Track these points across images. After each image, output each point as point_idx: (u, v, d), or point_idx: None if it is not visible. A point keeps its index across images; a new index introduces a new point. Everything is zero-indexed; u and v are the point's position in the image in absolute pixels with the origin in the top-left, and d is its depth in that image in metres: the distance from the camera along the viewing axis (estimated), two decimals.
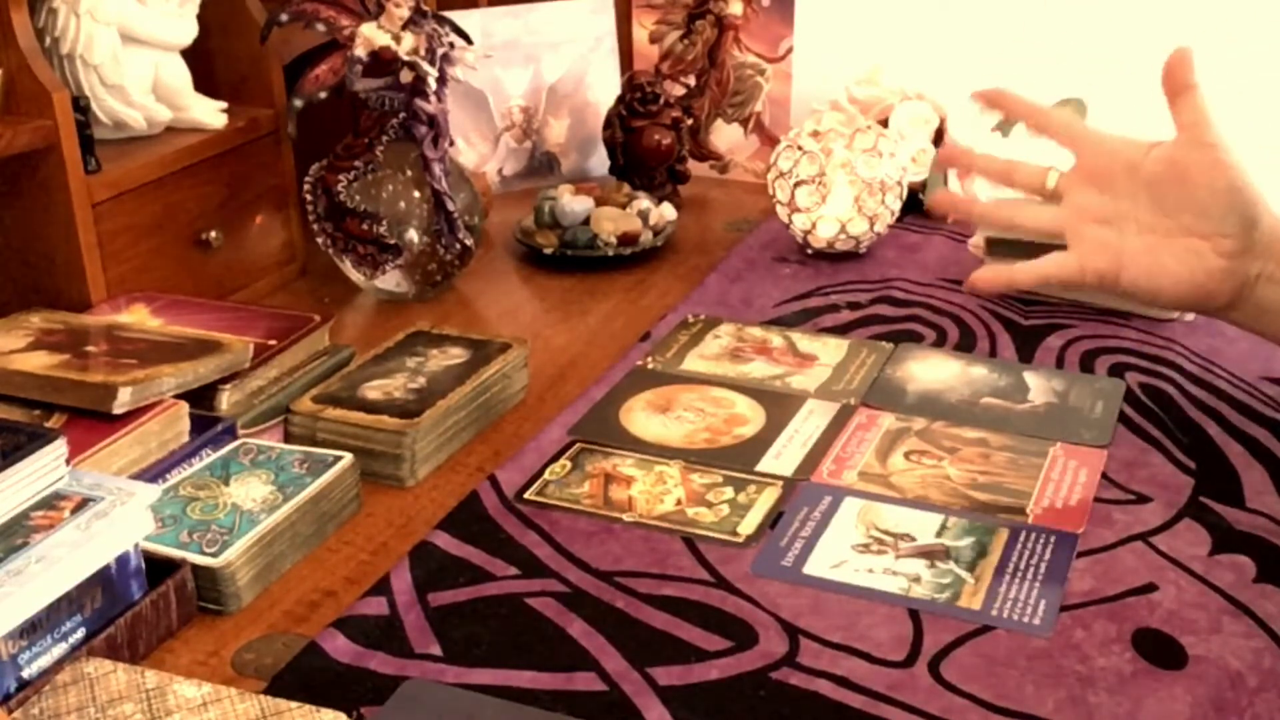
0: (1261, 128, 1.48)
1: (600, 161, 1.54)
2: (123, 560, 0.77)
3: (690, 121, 1.54)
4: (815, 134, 1.31)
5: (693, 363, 1.12)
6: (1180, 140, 0.87)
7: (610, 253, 1.33)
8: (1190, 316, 1.19)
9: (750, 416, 1.03)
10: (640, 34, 1.58)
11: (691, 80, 1.56)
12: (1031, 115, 0.95)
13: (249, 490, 0.88)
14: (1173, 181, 0.87)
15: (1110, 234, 0.90)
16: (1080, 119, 0.91)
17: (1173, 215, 0.87)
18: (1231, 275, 0.87)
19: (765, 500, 0.92)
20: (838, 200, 1.29)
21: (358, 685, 0.74)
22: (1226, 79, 1.48)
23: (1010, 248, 1.23)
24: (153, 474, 0.88)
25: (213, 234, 1.20)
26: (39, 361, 0.94)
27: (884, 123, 1.44)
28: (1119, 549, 0.86)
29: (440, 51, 1.19)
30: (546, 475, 0.95)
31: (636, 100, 1.46)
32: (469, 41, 1.27)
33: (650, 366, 1.11)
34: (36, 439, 0.78)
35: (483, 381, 1.02)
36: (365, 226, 1.20)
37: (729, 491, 0.93)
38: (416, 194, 1.22)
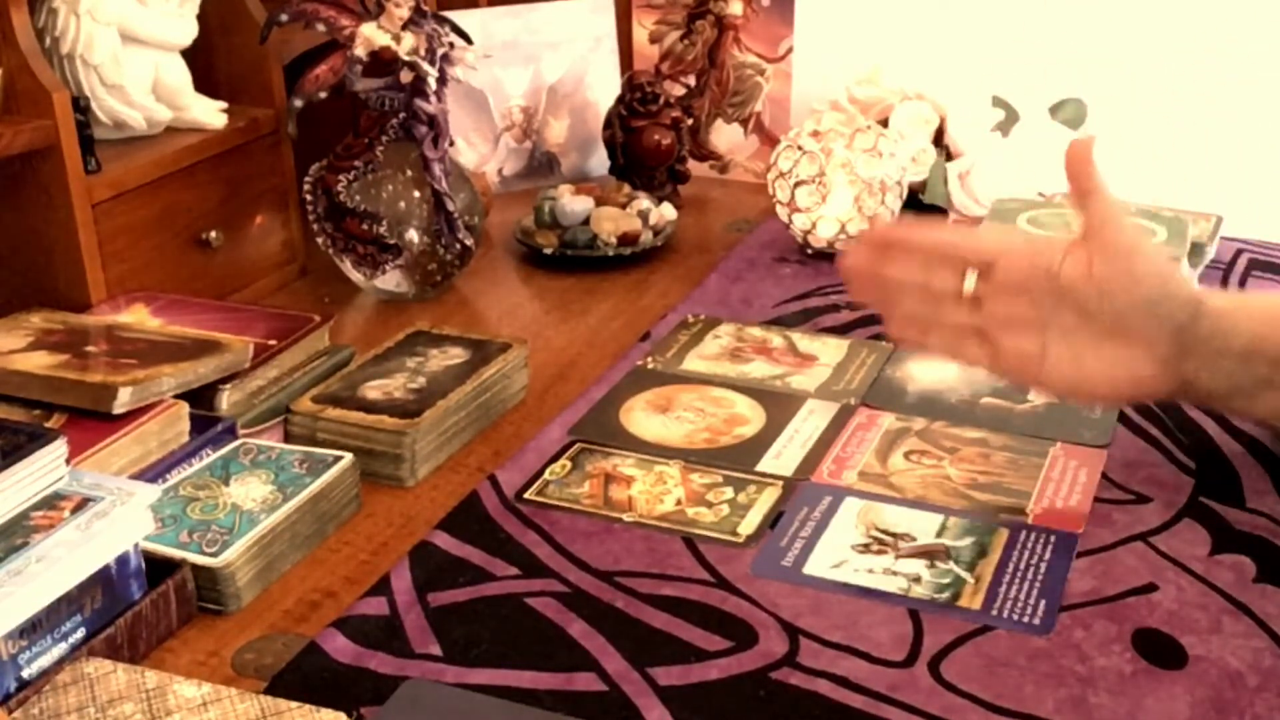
0: (1262, 127, 1.48)
1: (600, 161, 1.54)
2: (123, 560, 0.77)
3: (690, 121, 1.54)
4: (815, 134, 1.31)
5: (693, 363, 1.12)
6: (1094, 249, 0.82)
7: (610, 253, 1.33)
8: None
9: (750, 416, 1.03)
10: (640, 34, 1.58)
11: (691, 80, 1.56)
12: (934, 244, 0.87)
13: (249, 490, 0.88)
14: (1092, 293, 0.82)
15: (1030, 343, 0.85)
16: (1000, 228, 0.86)
17: (1098, 322, 0.83)
18: (1166, 379, 0.85)
19: (765, 500, 0.92)
20: (838, 200, 1.29)
21: (358, 685, 0.74)
22: (1226, 78, 1.48)
23: None
24: (153, 474, 0.88)
25: (213, 234, 1.20)
26: (39, 361, 0.94)
27: (884, 123, 1.44)
28: (1119, 549, 0.86)
29: (440, 51, 1.19)
30: (546, 475, 0.95)
31: (636, 100, 1.46)
32: (469, 41, 1.27)
33: (650, 366, 1.11)
34: (36, 439, 0.78)
35: (483, 381, 1.02)
36: (365, 226, 1.20)
37: (729, 491, 0.93)
38: (416, 194, 1.22)
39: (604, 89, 1.56)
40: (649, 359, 1.12)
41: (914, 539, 0.87)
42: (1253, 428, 1.00)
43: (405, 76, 1.17)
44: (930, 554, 0.86)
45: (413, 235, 1.21)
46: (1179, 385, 0.85)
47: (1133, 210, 0.85)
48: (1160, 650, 0.76)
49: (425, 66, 1.17)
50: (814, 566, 0.84)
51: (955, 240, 0.88)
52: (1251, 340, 0.84)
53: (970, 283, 0.86)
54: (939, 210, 1.43)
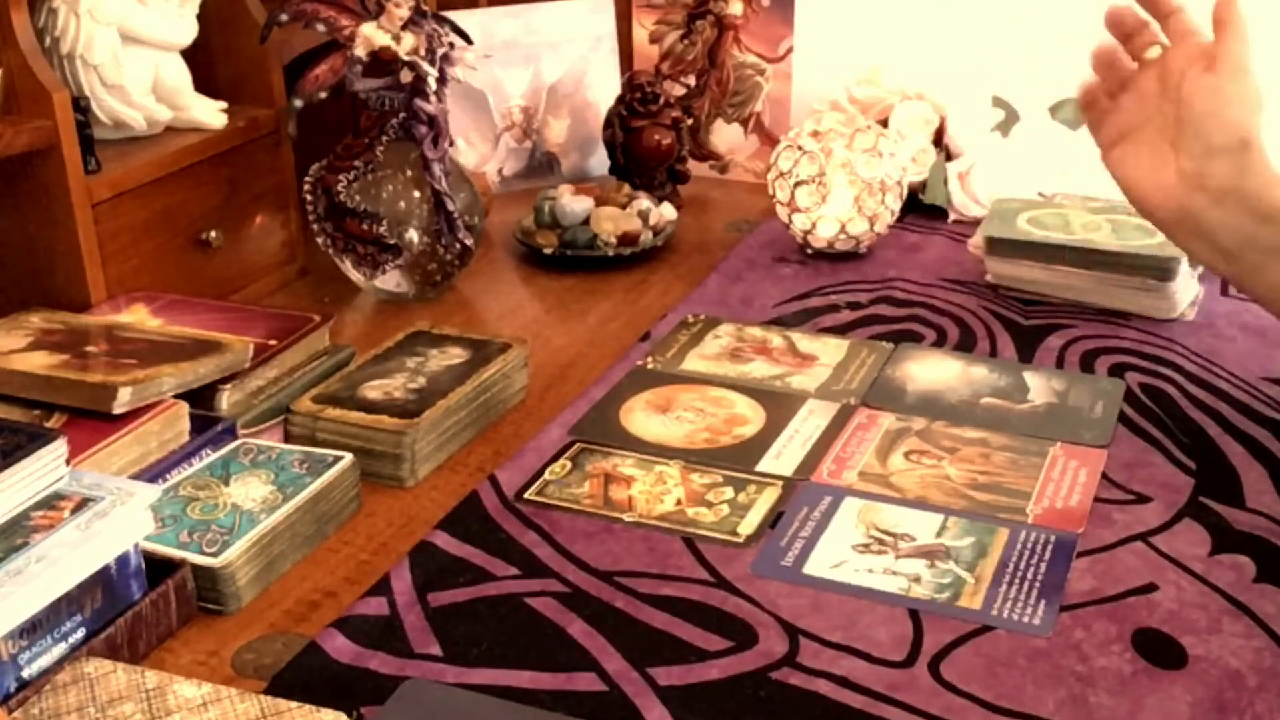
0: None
1: (600, 161, 1.54)
2: (123, 560, 0.77)
3: (690, 121, 1.54)
4: (815, 134, 1.31)
5: (693, 363, 1.12)
6: (1176, 55, 0.94)
7: (610, 253, 1.33)
8: (1191, 315, 1.19)
9: (750, 416, 1.03)
10: (640, 34, 1.58)
11: (691, 80, 1.56)
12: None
13: (249, 490, 0.88)
14: (1178, 88, 0.93)
15: (1136, 117, 0.96)
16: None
17: (1168, 115, 0.94)
18: (1177, 193, 0.93)
19: (765, 500, 0.92)
20: (838, 200, 1.29)
21: (358, 685, 0.74)
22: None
23: (1010, 247, 1.23)
24: (153, 474, 0.88)
25: (213, 234, 1.20)
26: (39, 361, 0.94)
27: (884, 123, 1.44)
28: (1119, 549, 0.86)
29: (440, 51, 1.19)
30: (546, 475, 0.95)
31: (636, 100, 1.46)
32: (469, 41, 1.27)
33: (650, 366, 1.11)
34: (36, 439, 0.78)
35: (483, 381, 1.02)
36: (365, 226, 1.20)
37: (729, 491, 0.93)
38: (416, 194, 1.22)
39: (604, 89, 1.56)
40: (649, 359, 1.12)
41: (914, 539, 0.87)
42: (1253, 427, 1.00)
43: (405, 76, 1.17)
44: (930, 554, 0.86)
45: (413, 235, 1.21)
46: (1180, 209, 0.94)
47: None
48: (1160, 650, 0.76)
49: (425, 66, 1.17)
50: (814, 566, 0.84)
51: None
52: (1277, 208, 0.90)
53: (1154, 52, 0.97)
54: (939, 210, 1.43)
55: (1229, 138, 0.91)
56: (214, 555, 0.81)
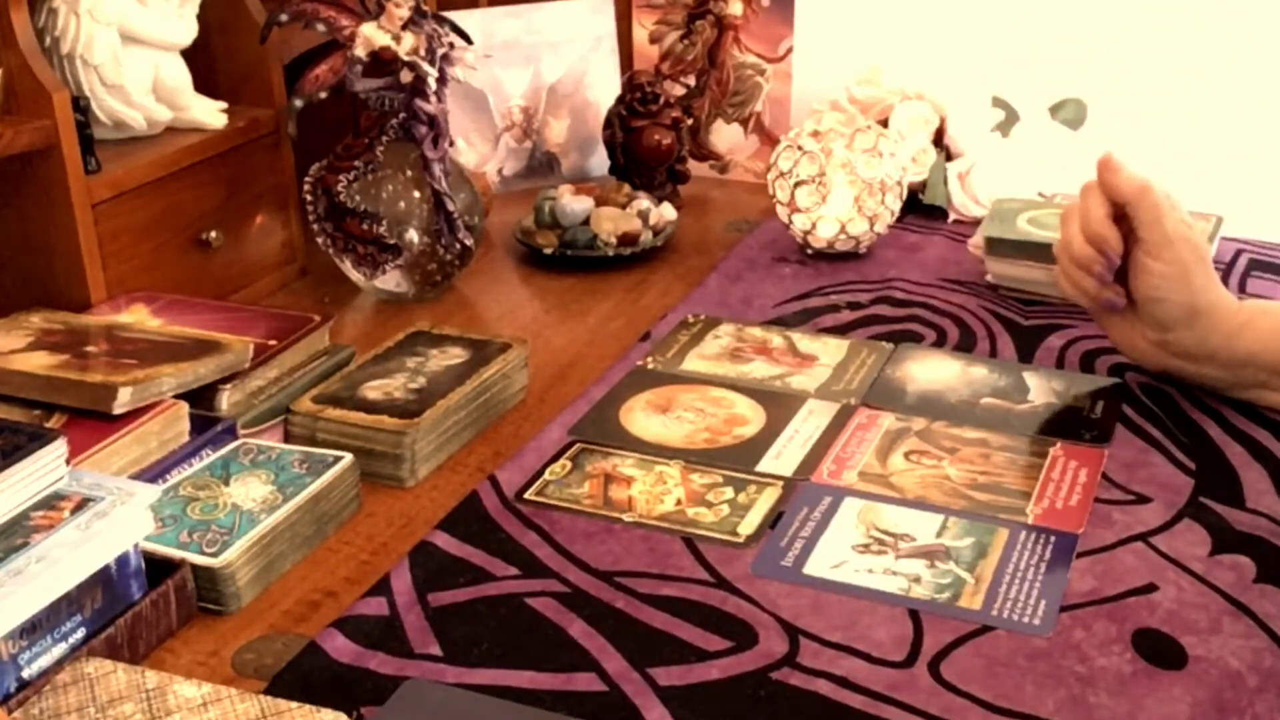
0: (1262, 127, 1.48)
1: (600, 161, 1.54)
2: (123, 560, 0.77)
3: (690, 121, 1.54)
4: (815, 134, 1.31)
5: (693, 363, 1.12)
6: (1134, 243, 1.00)
7: (610, 253, 1.33)
8: None
9: (750, 416, 1.03)
10: (640, 34, 1.58)
11: (691, 80, 1.56)
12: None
13: (249, 490, 0.88)
14: (1132, 271, 1.01)
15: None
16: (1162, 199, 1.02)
17: (1132, 292, 1.02)
18: (1153, 357, 1.04)
19: (765, 500, 0.92)
20: (838, 200, 1.29)
21: (358, 685, 0.74)
22: (1226, 78, 1.48)
23: (1010, 247, 1.23)
24: (153, 474, 0.88)
25: (213, 234, 1.20)
26: (39, 361, 0.94)
27: (884, 123, 1.44)
28: (1119, 549, 0.86)
29: (440, 51, 1.19)
30: (546, 475, 0.95)
31: (636, 100, 1.46)
32: (469, 41, 1.27)
33: (650, 366, 1.11)
34: (36, 439, 0.78)
35: (483, 381, 1.02)
36: (365, 226, 1.20)
37: (729, 491, 0.93)
38: (416, 194, 1.22)
39: (604, 89, 1.56)
40: (649, 359, 1.12)
41: (914, 539, 0.87)
42: (1253, 427, 1.00)
43: (405, 76, 1.17)
44: (930, 554, 0.86)
45: (413, 235, 1.21)
46: (1162, 370, 1.05)
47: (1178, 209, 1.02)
48: (1160, 650, 0.76)
49: (425, 66, 1.17)
50: (814, 566, 0.84)
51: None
52: (1247, 356, 0.99)
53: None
54: (939, 210, 1.43)
55: (1176, 313, 0.99)
56: (214, 555, 0.81)
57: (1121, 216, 1.00)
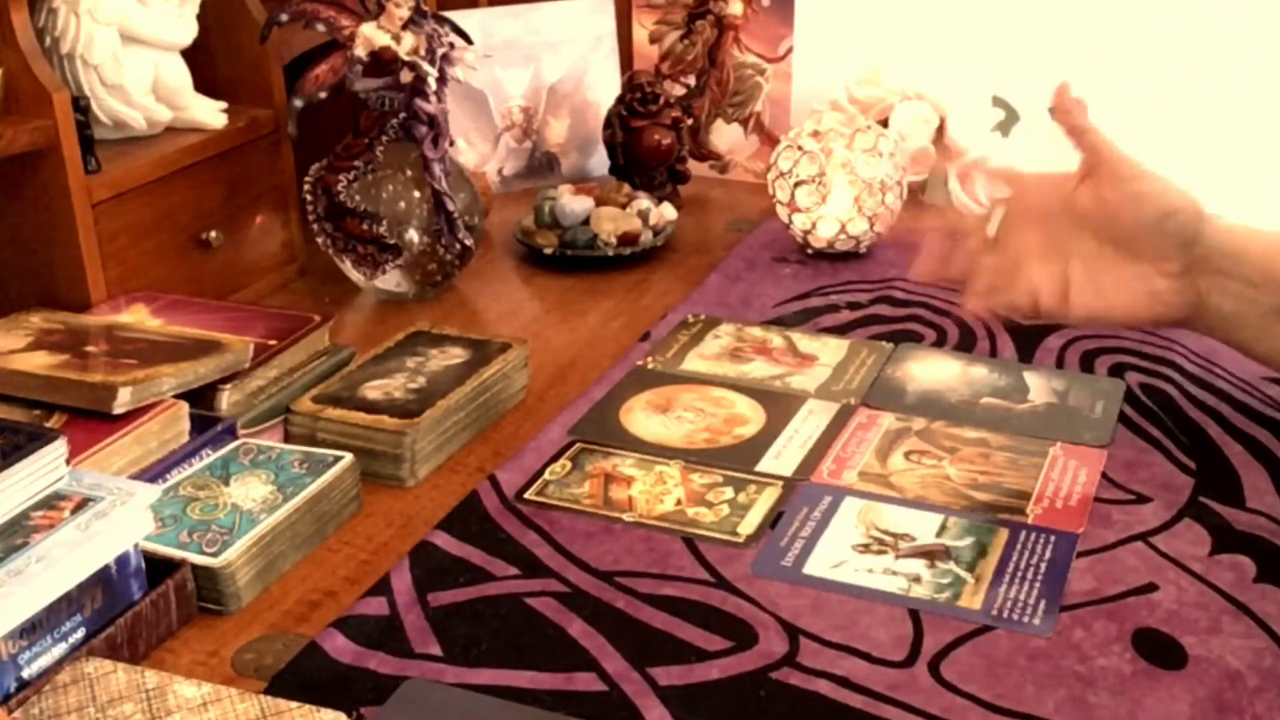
0: (1262, 127, 1.48)
1: (600, 161, 1.54)
2: (123, 560, 0.77)
3: (690, 121, 1.54)
4: (815, 134, 1.31)
5: (693, 363, 1.12)
6: (1098, 180, 0.91)
7: (610, 253, 1.33)
8: None
9: (750, 416, 1.03)
10: (640, 34, 1.58)
11: (691, 80, 1.56)
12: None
13: (249, 490, 0.88)
14: (1103, 218, 0.91)
15: (1054, 269, 0.93)
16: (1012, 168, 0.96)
17: (1112, 245, 0.92)
18: (1180, 293, 0.91)
19: (765, 500, 0.92)
20: (838, 200, 1.29)
21: (358, 685, 0.74)
22: (1226, 79, 1.48)
23: None
24: (153, 474, 0.88)
25: (213, 234, 1.20)
26: (39, 361, 0.94)
27: (884, 123, 1.44)
28: (1119, 549, 0.86)
29: (440, 51, 1.19)
30: (546, 475, 0.95)
31: (636, 100, 1.46)
32: (469, 41, 1.27)
33: (650, 366, 1.11)
34: (36, 439, 0.78)
35: (483, 381, 1.02)
36: (365, 226, 1.20)
37: (729, 491, 0.93)
38: (416, 194, 1.22)
39: (604, 89, 1.56)
40: (649, 359, 1.12)
41: (914, 539, 0.87)
42: (1253, 427, 1.00)
43: (405, 76, 1.17)
44: (930, 554, 0.86)
45: (413, 235, 1.21)
46: (1192, 306, 0.92)
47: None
48: (1160, 650, 0.76)
49: (425, 66, 1.17)
50: (814, 566, 0.84)
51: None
52: (1260, 267, 0.90)
53: (993, 226, 0.94)
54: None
55: (1189, 217, 0.90)
56: (214, 555, 0.81)
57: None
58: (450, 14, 1.29)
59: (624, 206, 1.37)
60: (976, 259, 0.96)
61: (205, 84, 1.23)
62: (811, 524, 0.89)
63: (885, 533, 0.88)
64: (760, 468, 0.96)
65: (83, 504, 0.77)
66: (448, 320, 1.19)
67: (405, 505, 0.93)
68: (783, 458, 0.97)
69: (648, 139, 1.45)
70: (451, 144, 1.23)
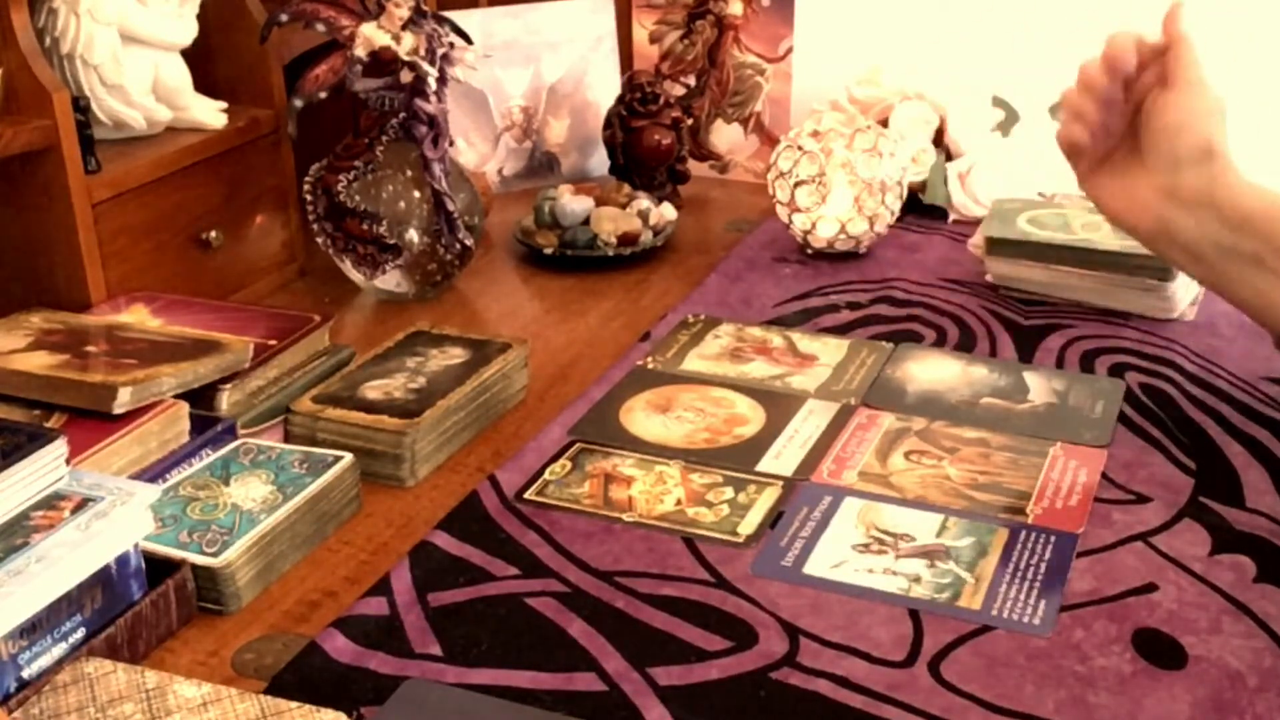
0: (1262, 127, 1.48)
1: (600, 161, 1.54)
2: (123, 560, 0.77)
3: (690, 121, 1.54)
4: (815, 134, 1.31)
5: (693, 363, 1.12)
6: (1166, 75, 0.97)
7: (610, 253, 1.33)
8: (1191, 315, 1.19)
9: (750, 416, 1.03)
10: (640, 34, 1.58)
11: (691, 80, 1.56)
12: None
13: (249, 490, 0.88)
14: (1152, 109, 0.97)
15: (1107, 136, 1.00)
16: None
17: (1134, 134, 0.98)
18: (1152, 207, 0.97)
19: (765, 500, 0.92)
20: (838, 200, 1.29)
21: (358, 685, 0.74)
22: (1226, 78, 1.48)
23: (1010, 247, 1.23)
24: (153, 474, 0.88)
25: (213, 234, 1.20)
26: (39, 361, 0.94)
27: (884, 123, 1.44)
28: (1119, 549, 0.86)
29: (440, 51, 1.19)
30: (546, 475, 0.95)
31: (636, 100, 1.46)
32: (469, 41, 1.27)
33: (650, 366, 1.11)
34: (36, 439, 0.78)
35: (483, 381, 1.02)
36: (365, 226, 1.20)
37: (729, 491, 0.93)
38: (416, 194, 1.22)
39: (604, 89, 1.56)
40: (649, 359, 1.12)
41: (914, 539, 0.87)
42: (1253, 427, 1.00)
43: (405, 76, 1.17)
44: (930, 554, 0.86)
45: (413, 235, 1.21)
46: (1157, 223, 0.97)
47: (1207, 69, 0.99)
48: (1160, 650, 0.76)
49: (425, 66, 1.17)
50: (814, 566, 0.84)
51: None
52: (1254, 213, 0.93)
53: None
54: (939, 210, 1.43)
55: (1192, 148, 0.94)
56: (214, 555, 0.81)
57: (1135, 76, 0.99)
58: (450, 14, 1.29)
59: (624, 206, 1.37)
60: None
61: (205, 84, 1.23)
62: (811, 524, 0.89)
63: (885, 533, 0.88)
64: (760, 468, 0.96)
65: (83, 504, 0.77)
66: (448, 320, 1.19)
67: (405, 505, 0.93)
68: (783, 458, 0.97)
69: (648, 139, 1.45)
70: (451, 144, 1.23)
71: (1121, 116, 0.99)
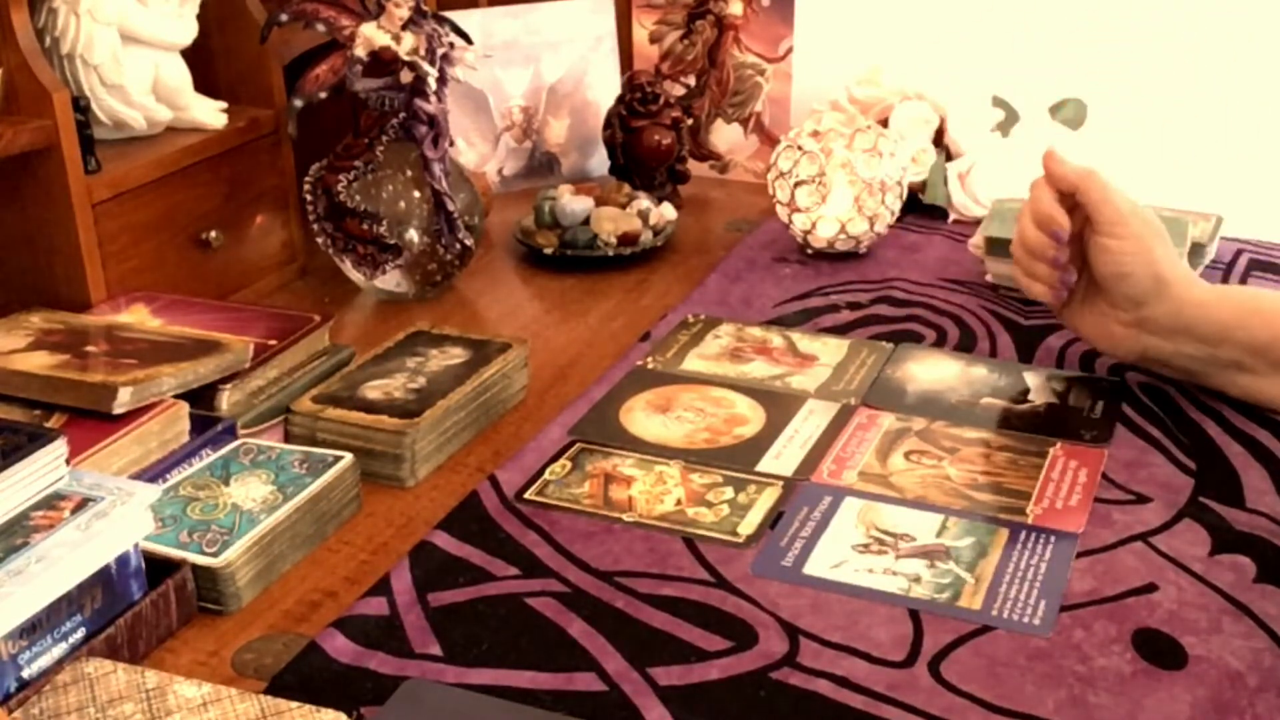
0: (1262, 127, 1.48)
1: (600, 161, 1.54)
2: (123, 560, 0.77)
3: (690, 121, 1.54)
4: (815, 134, 1.31)
5: (693, 363, 1.12)
6: (1097, 221, 1.00)
7: (610, 253, 1.33)
8: None
9: (750, 416, 1.03)
10: (640, 34, 1.58)
11: (691, 80, 1.56)
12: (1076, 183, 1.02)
13: (249, 490, 0.88)
14: (1091, 256, 1.02)
15: (1073, 281, 1.04)
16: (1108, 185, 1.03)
17: (1094, 280, 1.03)
18: (1129, 340, 1.03)
19: (765, 500, 0.92)
20: (838, 200, 1.29)
21: (358, 685, 0.74)
22: (1226, 78, 1.48)
23: (1010, 247, 1.23)
24: (153, 474, 0.88)
25: (213, 234, 1.20)
26: (39, 361, 0.94)
27: (884, 123, 1.44)
28: (1119, 549, 0.86)
29: (440, 51, 1.19)
30: (546, 475, 0.95)
31: (636, 100, 1.46)
32: (469, 41, 1.27)
33: (650, 366, 1.11)
34: (36, 439, 0.78)
35: (483, 381, 1.02)
36: (365, 226, 1.20)
37: (729, 491, 0.93)
38: (416, 194, 1.22)
39: (604, 89, 1.56)
40: (649, 359, 1.12)
41: (914, 539, 0.87)
42: (1253, 427, 1.00)
43: (405, 76, 1.17)
44: (930, 554, 0.86)
45: (413, 235, 1.21)
46: (1140, 353, 1.03)
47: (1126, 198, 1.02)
48: (1160, 650, 0.76)
49: (425, 66, 1.17)
50: (814, 566, 0.84)
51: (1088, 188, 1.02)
52: (1227, 324, 0.99)
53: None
54: (939, 210, 1.43)
55: (1146, 289, 0.99)
56: (214, 555, 0.81)
57: (1073, 208, 1.01)
58: (450, 14, 1.29)
59: (624, 206, 1.37)
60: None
61: (205, 84, 1.23)
62: (811, 524, 0.89)
63: (885, 533, 0.88)
64: (760, 468, 0.96)
65: (83, 504, 0.77)
66: (448, 320, 1.19)
67: (405, 505, 0.93)
68: (783, 458, 0.97)
69: (648, 139, 1.45)
70: (451, 144, 1.23)
71: (1074, 257, 1.03)
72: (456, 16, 1.30)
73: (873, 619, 0.79)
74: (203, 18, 1.21)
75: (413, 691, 0.73)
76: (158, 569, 0.79)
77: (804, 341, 1.15)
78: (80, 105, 1.07)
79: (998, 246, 1.24)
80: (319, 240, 1.24)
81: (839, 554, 0.86)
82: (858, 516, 0.90)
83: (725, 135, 1.58)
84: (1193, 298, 0.99)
